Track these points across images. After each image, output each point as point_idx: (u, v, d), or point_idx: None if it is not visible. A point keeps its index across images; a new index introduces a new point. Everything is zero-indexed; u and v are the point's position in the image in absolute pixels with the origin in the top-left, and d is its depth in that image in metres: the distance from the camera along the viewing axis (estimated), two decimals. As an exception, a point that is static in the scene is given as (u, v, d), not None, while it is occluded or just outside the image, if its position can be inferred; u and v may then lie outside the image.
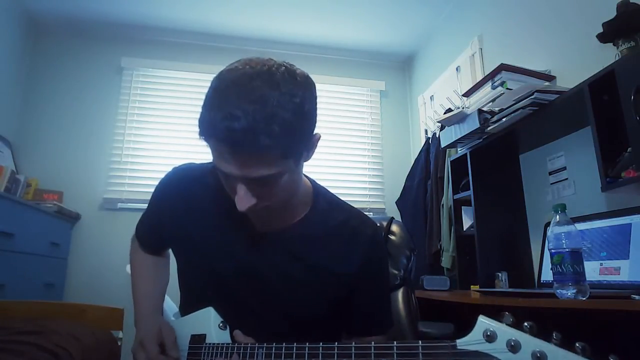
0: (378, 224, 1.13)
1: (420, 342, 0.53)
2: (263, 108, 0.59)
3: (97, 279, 2.61)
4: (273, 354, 0.67)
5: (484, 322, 0.50)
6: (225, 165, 0.64)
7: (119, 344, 1.36)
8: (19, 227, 2.00)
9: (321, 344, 0.63)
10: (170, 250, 0.99)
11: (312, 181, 0.88)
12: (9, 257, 1.94)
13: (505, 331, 0.48)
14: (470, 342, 0.50)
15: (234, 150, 0.61)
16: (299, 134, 0.64)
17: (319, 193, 0.85)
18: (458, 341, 0.51)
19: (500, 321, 0.49)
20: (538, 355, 0.45)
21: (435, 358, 0.52)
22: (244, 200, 0.65)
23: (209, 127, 0.61)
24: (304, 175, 0.85)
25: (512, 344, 0.47)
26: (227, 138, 0.59)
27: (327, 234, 0.80)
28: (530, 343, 0.46)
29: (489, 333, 0.48)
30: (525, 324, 0.48)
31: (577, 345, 0.44)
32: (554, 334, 0.46)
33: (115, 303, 1.46)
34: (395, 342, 0.55)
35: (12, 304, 1.44)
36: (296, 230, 0.80)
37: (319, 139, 0.71)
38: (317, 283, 0.78)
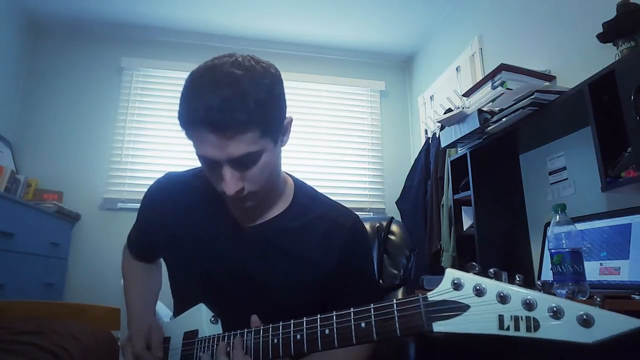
0: (378, 224, 1.14)
1: (394, 300, 0.56)
2: (236, 88, 0.64)
3: (96, 279, 2.61)
4: (261, 334, 0.69)
5: (451, 272, 0.52)
6: (208, 150, 0.66)
7: (119, 344, 1.36)
8: (19, 227, 2.00)
9: (305, 318, 0.65)
10: (161, 259, 1.02)
11: (294, 178, 0.91)
12: (9, 257, 1.94)
13: (471, 278, 0.50)
14: (439, 292, 0.52)
15: (215, 130, 0.64)
16: (272, 113, 0.68)
17: (300, 188, 0.88)
18: (428, 294, 0.53)
19: (468, 271, 0.52)
20: (502, 295, 0.47)
21: (409, 312, 0.54)
22: (231, 184, 0.68)
23: (188, 115, 0.66)
24: (287, 173, 0.89)
25: (478, 288, 0.49)
26: (206, 119, 0.63)
27: (307, 226, 0.82)
28: (495, 286, 0.49)
29: (456, 282, 0.51)
30: (491, 270, 0.50)
31: (537, 283, 0.48)
32: (516, 277, 0.49)
33: (115, 303, 1.46)
34: (372, 305, 0.58)
35: (12, 304, 1.44)
36: (277, 223, 0.82)
37: (291, 121, 0.76)
38: (300, 274, 0.80)
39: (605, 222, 1.44)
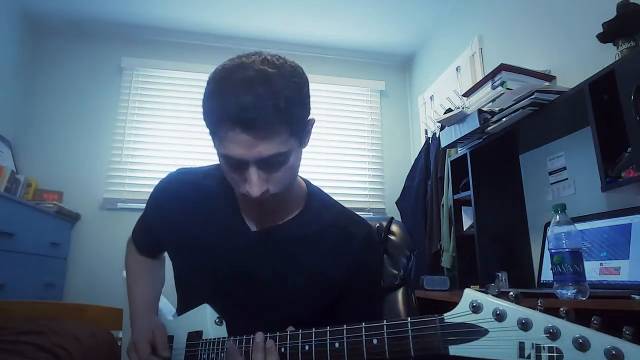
0: (378, 224, 1.14)
1: (409, 318, 0.54)
2: (269, 86, 0.62)
3: (97, 279, 2.61)
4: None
5: (470, 294, 0.50)
6: (236, 149, 0.64)
7: (119, 344, 1.36)
8: (19, 227, 2.00)
9: (314, 329, 0.63)
10: (165, 253, 1.01)
11: (307, 182, 0.89)
12: (9, 257, 1.94)
13: (490, 301, 0.48)
14: (457, 314, 0.50)
15: (248, 130, 0.62)
16: (300, 112, 0.68)
17: (313, 193, 0.87)
18: (445, 315, 0.51)
19: (487, 292, 0.49)
20: (523, 321, 0.45)
21: (424, 333, 0.52)
22: (256, 185, 0.66)
23: (219, 112, 0.64)
24: (300, 177, 0.86)
25: (498, 312, 0.47)
26: (239, 118, 0.62)
27: (318, 233, 0.81)
28: (516, 311, 0.46)
29: (474, 304, 0.49)
30: (511, 293, 0.48)
31: (561, 310, 0.44)
32: (538, 301, 0.47)
33: (115, 303, 1.46)
34: (385, 321, 0.56)
35: (12, 304, 1.44)
36: (288, 229, 0.81)
37: (313, 123, 0.75)
38: (307, 281, 0.79)
39: (605, 222, 1.44)
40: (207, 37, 3.11)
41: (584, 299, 1.11)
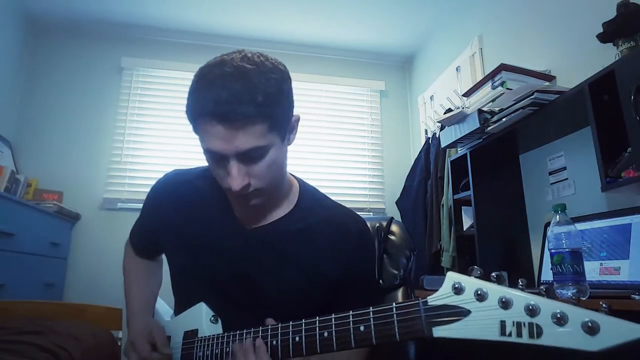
0: (378, 224, 1.14)
1: (394, 303, 0.55)
2: (246, 82, 0.64)
3: (96, 279, 2.61)
4: (260, 336, 0.69)
5: (452, 276, 0.51)
6: (216, 143, 0.66)
7: (119, 344, 1.36)
8: (19, 227, 2.00)
9: (303, 320, 0.64)
10: (162, 255, 1.02)
11: (300, 180, 0.90)
12: (9, 257, 1.94)
13: (472, 282, 0.49)
14: (439, 296, 0.51)
15: (223, 121, 0.64)
16: (281, 108, 0.69)
17: (306, 190, 0.87)
18: (429, 297, 0.52)
19: (470, 275, 0.50)
20: (504, 300, 0.46)
21: (409, 316, 0.53)
22: (237, 178, 0.68)
23: (197, 107, 0.66)
24: (292, 174, 0.87)
25: (479, 293, 0.48)
26: (214, 111, 0.64)
27: (312, 230, 0.81)
28: (497, 291, 0.47)
29: (457, 286, 0.49)
30: (493, 274, 0.49)
31: (541, 288, 0.46)
32: (519, 281, 0.48)
33: (115, 303, 1.45)
34: (371, 308, 0.57)
35: (12, 304, 1.44)
36: (281, 226, 0.81)
37: (298, 119, 0.76)
38: (301, 279, 0.79)
39: (605, 222, 1.44)
40: (208, 37, 3.11)
41: (584, 299, 1.11)
